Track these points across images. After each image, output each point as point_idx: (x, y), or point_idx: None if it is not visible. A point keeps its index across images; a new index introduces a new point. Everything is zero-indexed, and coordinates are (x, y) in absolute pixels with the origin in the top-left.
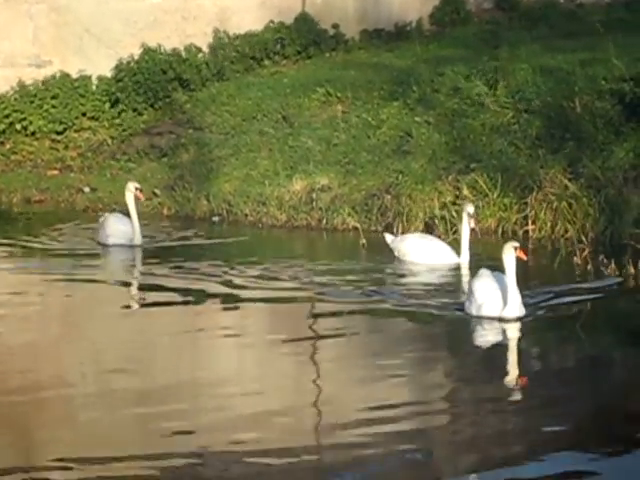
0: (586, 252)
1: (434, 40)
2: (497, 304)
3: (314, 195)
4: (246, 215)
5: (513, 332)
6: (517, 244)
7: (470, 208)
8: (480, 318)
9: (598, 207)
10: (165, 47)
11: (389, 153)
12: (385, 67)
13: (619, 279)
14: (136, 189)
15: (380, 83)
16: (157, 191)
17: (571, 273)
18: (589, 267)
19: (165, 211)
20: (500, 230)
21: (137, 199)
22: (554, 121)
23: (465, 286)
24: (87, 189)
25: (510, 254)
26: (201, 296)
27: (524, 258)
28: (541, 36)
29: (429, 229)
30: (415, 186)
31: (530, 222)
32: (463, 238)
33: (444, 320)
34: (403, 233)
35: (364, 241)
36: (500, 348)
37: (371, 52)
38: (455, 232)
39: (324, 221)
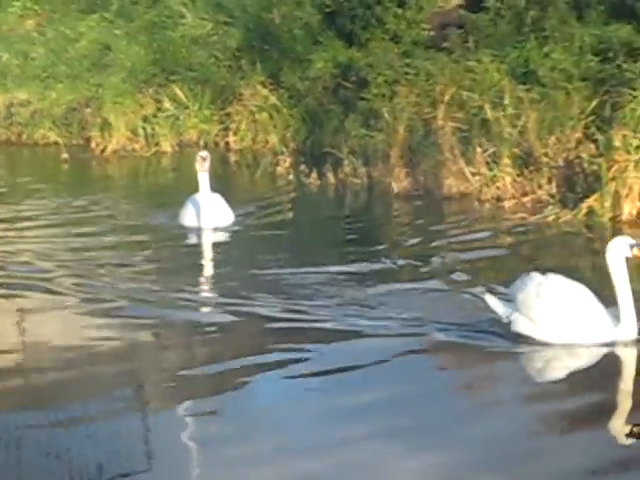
0: (288, 162)
1: None
2: (601, 325)
3: (13, 110)
4: None
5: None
6: (633, 241)
7: (203, 153)
8: (566, 346)
9: (299, 117)
10: None
11: (88, 67)
12: None
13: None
14: None
15: None
16: None
17: (274, 183)
18: (291, 177)
19: None
20: (202, 142)
21: None
22: (253, 32)
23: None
24: None
25: (620, 254)
26: None
27: None
28: None
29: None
30: (115, 99)
31: (231, 133)
32: (201, 183)
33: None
34: (104, 147)
35: (66, 156)
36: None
37: None
38: (157, 144)
39: (24, 136)
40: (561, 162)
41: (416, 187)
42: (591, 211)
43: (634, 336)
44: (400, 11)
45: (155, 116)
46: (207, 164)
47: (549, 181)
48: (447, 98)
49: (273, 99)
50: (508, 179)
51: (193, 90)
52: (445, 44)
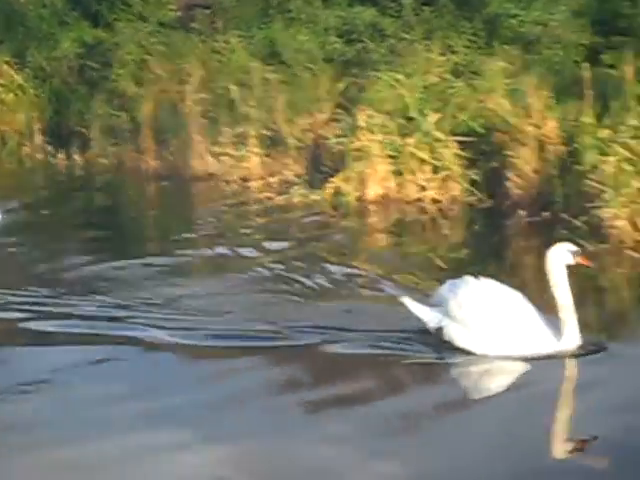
0: (35, 142)
1: None
2: (542, 336)
3: None
4: None
5: None
6: (574, 247)
7: None
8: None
9: (45, 97)
10: None
11: None
12: None
13: None
14: None
15: None
16: None
17: (22, 164)
18: (40, 156)
19: None
20: None
21: None
22: None
23: None
24: None
25: (560, 261)
26: None
27: (590, 265)
28: None
29: None
30: None
31: None
32: None
33: None
34: None
35: None
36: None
37: None
38: None
39: None
40: (308, 142)
41: (165, 167)
42: (337, 191)
43: (575, 347)
44: None
45: None
46: None
47: (296, 161)
48: (194, 78)
49: (19, 79)
50: (256, 159)
51: None
52: (193, 24)
